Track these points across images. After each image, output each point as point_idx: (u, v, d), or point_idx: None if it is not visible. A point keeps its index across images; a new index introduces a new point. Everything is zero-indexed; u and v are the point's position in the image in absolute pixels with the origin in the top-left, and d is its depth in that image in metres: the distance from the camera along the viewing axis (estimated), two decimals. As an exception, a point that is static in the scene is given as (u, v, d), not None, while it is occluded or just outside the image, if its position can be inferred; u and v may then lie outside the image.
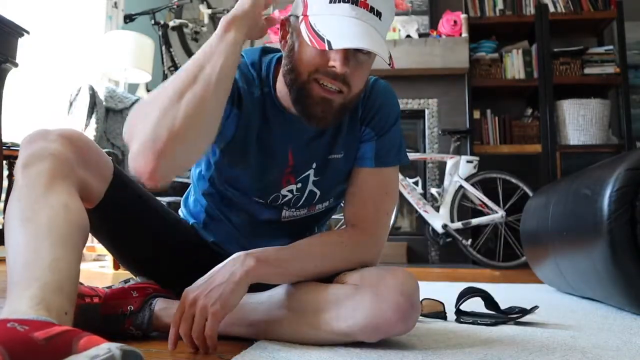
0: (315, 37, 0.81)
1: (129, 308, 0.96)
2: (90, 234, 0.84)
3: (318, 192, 1.02)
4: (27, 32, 1.87)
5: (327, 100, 0.85)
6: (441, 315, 1.26)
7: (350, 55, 0.83)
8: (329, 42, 0.79)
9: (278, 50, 0.99)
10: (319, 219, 1.11)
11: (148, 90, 3.53)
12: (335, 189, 1.05)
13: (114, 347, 0.48)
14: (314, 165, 1.00)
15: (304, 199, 1.02)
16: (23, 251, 0.67)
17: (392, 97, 1.04)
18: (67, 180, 0.77)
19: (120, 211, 0.95)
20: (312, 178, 1.00)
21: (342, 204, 1.08)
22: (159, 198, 1.09)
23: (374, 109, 1.01)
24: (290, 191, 1.00)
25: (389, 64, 0.84)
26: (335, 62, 0.82)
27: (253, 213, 1.03)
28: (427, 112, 3.56)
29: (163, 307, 0.97)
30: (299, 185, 1.00)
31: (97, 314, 0.96)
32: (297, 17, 0.87)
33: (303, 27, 0.84)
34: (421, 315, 1.27)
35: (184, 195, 1.16)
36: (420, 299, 1.28)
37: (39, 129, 0.81)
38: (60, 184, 0.76)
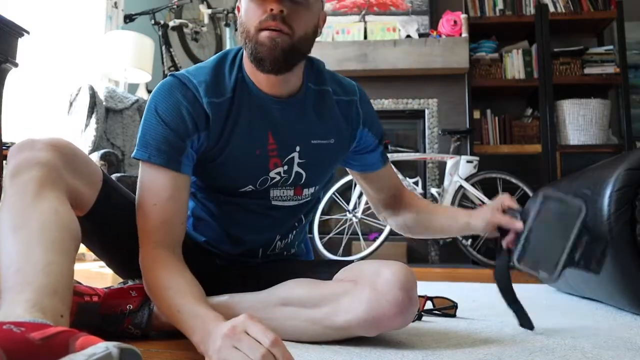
0: None
1: (128, 307, 0.96)
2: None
3: (304, 174, 1.05)
4: (27, 32, 1.87)
5: (272, 40, 0.91)
6: (450, 315, 1.28)
7: (285, 0, 0.90)
8: None
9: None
10: (306, 208, 1.13)
11: (148, 91, 3.53)
12: (322, 174, 1.09)
13: (112, 346, 0.48)
14: (298, 149, 1.02)
15: (291, 180, 1.04)
16: (15, 258, 0.67)
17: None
18: (56, 188, 0.78)
19: (111, 218, 0.96)
20: (297, 160, 1.03)
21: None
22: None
23: (369, 116, 1.13)
24: (278, 173, 1.02)
25: None
26: (271, 4, 0.89)
27: (241, 204, 1.04)
28: (427, 112, 3.55)
29: None
30: (286, 167, 1.02)
31: (97, 313, 0.96)
32: None
33: None
34: (433, 310, 1.28)
35: None
36: (432, 297, 1.29)
37: (26, 138, 0.82)
38: (50, 191, 0.76)
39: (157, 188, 0.91)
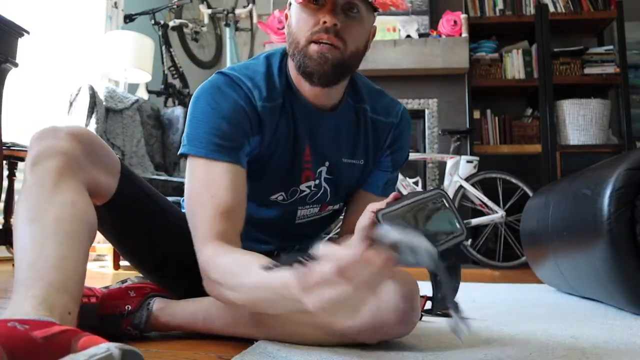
0: None
1: (126, 308, 0.96)
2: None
3: (329, 190, 1.04)
4: (27, 32, 1.88)
5: (323, 56, 0.88)
6: (449, 315, 1.27)
7: (339, 12, 0.88)
8: None
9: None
10: (328, 220, 1.13)
11: (148, 91, 3.53)
12: (344, 193, 1.08)
13: (113, 347, 0.48)
14: (327, 164, 1.02)
15: (318, 195, 1.04)
16: (29, 251, 0.67)
17: (410, 136, 1.13)
18: (76, 178, 0.78)
19: (128, 207, 0.95)
20: (324, 175, 1.02)
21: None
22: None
23: (399, 143, 1.09)
24: (309, 187, 1.02)
25: (371, 1, 0.90)
26: (325, 17, 0.87)
27: (265, 217, 1.03)
28: (427, 112, 3.55)
29: (161, 307, 0.97)
30: (317, 181, 1.02)
31: (95, 314, 0.95)
32: None
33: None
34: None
35: None
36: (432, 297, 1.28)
37: (48, 125, 0.82)
38: (68, 182, 0.76)
39: (214, 180, 0.87)
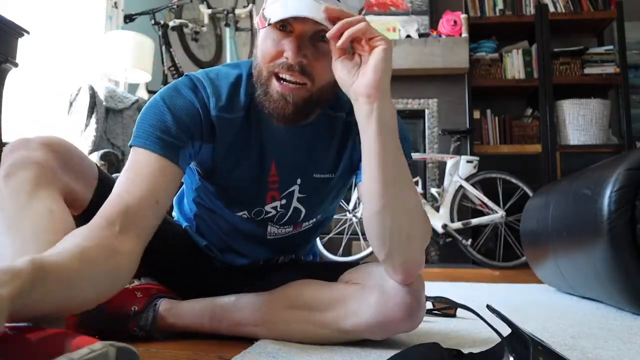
0: (261, 20, 0.79)
1: (132, 309, 0.95)
2: None
3: (303, 210, 0.99)
4: (27, 32, 1.87)
5: (284, 97, 0.80)
6: (450, 315, 1.28)
7: (307, 43, 0.78)
8: (268, 20, 0.76)
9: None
10: (308, 235, 1.09)
11: (148, 91, 3.53)
12: (322, 207, 1.03)
13: (108, 345, 0.48)
14: (299, 182, 0.96)
15: (288, 216, 0.99)
16: (9, 260, 0.66)
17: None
18: (51, 187, 0.76)
19: None
20: (296, 195, 0.97)
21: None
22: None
23: None
24: (275, 208, 0.97)
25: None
26: (287, 53, 0.77)
27: (237, 226, 1.01)
28: (427, 112, 3.55)
29: (167, 308, 0.96)
30: (284, 201, 0.97)
31: (100, 315, 0.94)
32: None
33: (256, 20, 0.82)
34: (433, 310, 1.28)
35: (177, 198, 1.13)
36: (435, 297, 1.29)
37: (20, 138, 0.80)
38: (44, 190, 0.74)
39: (138, 167, 0.80)
